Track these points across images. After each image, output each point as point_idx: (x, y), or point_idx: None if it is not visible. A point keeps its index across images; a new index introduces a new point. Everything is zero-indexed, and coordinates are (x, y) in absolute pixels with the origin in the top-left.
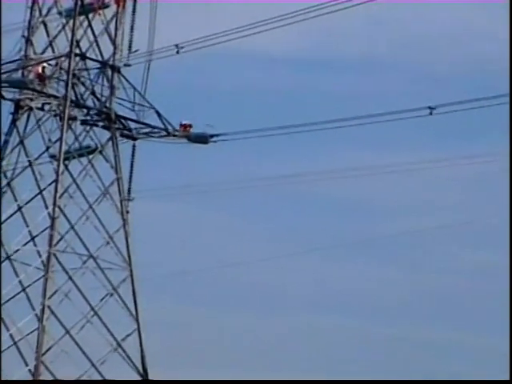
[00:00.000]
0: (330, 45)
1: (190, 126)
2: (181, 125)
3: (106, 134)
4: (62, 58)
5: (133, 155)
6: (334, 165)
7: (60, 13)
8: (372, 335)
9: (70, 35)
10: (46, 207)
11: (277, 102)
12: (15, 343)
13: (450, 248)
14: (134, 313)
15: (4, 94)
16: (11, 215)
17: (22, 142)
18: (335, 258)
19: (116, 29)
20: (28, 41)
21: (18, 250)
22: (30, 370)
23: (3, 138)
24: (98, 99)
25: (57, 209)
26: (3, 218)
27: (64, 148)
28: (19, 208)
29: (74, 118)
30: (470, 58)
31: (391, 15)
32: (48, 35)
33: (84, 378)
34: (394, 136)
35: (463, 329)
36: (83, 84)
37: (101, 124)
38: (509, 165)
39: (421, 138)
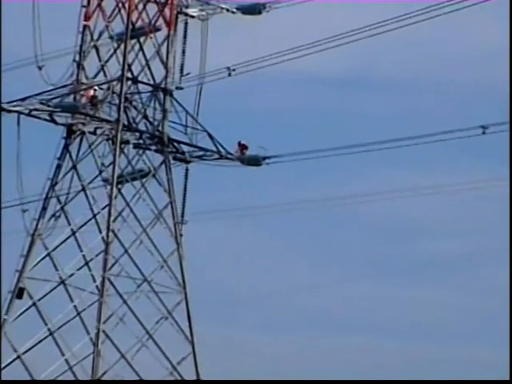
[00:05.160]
0: (379, 65)
1: (247, 147)
2: (239, 144)
3: (159, 158)
4: (114, 82)
5: (186, 178)
6: (383, 186)
7: (111, 37)
8: (422, 358)
9: (121, 59)
10: (100, 231)
11: (327, 123)
12: (70, 368)
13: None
14: (189, 336)
15: (56, 118)
16: (65, 240)
17: (74, 167)
18: (384, 281)
19: (167, 52)
20: (79, 65)
21: (72, 275)
22: None
23: (56, 162)
24: (151, 123)
25: (110, 233)
26: (58, 242)
27: (117, 172)
28: (73, 232)
29: (127, 142)
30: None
31: (434, 35)
32: (99, 59)
33: None
34: (442, 156)
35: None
36: (135, 108)
37: (153, 148)
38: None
39: (470, 157)
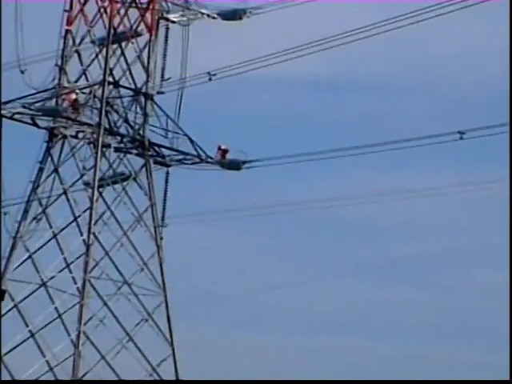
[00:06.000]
0: (361, 69)
1: (227, 152)
2: (219, 149)
3: (140, 161)
4: (96, 86)
5: (166, 182)
6: (363, 189)
7: (93, 42)
8: (388, 355)
9: (103, 63)
10: (81, 234)
11: (308, 127)
12: (51, 369)
13: (470, 270)
14: (168, 338)
15: (38, 122)
16: (46, 242)
17: (56, 170)
18: (357, 281)
19: (149, 57)
20: (62, 69)
21: (53, 277)
22: None
23: (38, 166)
24: (132, 127)
25: (91, 236)
26: (39, 245)
27: (98, 175)
28: (54, 235)
29: (108, 146)
30: (493, 79)
31: (410, 37)
32: (81, 64)
33: None
34: (419, 160)
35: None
36: (116, 112)
37: (134, 151)
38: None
39: (445, 161)
